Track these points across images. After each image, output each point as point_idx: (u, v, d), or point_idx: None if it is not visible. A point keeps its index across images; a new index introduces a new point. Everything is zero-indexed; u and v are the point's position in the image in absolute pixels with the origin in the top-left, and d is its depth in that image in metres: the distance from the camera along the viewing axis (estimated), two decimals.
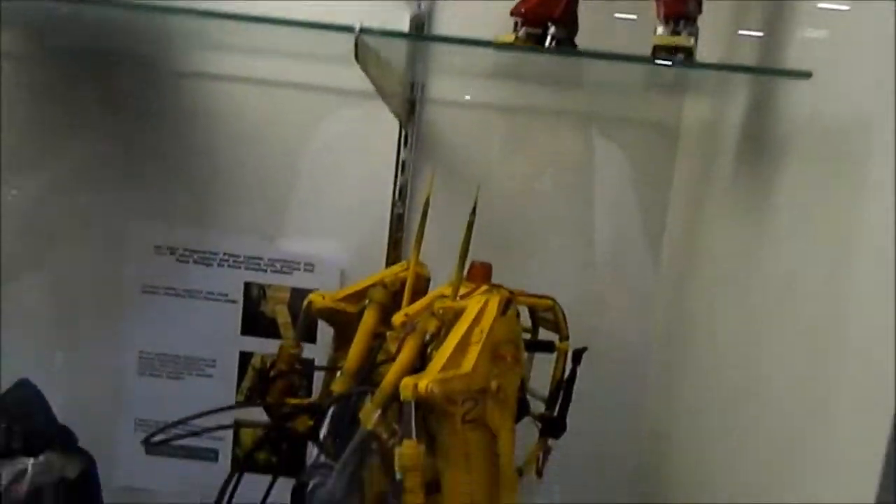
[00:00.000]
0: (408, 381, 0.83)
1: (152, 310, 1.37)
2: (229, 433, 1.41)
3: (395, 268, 1.14)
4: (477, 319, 0.90)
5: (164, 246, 1.35)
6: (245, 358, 1.38)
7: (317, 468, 1.01)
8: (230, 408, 1.17)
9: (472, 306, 0.92)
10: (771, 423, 0.91)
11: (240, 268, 1.35)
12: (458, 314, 0.92)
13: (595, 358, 1.08)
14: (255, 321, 1.37)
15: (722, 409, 1.08)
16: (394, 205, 1.33)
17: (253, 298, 1.36)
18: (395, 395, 0.89)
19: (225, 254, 1.35)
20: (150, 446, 1.39)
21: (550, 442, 1.11)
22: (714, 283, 1.17)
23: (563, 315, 1.11)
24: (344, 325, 1.15)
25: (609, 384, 1.34)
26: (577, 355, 1.11)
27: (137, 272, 1.35)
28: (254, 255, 1.35)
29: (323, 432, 1.01)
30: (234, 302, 1.36)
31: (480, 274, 1.06)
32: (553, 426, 1.11)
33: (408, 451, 0.81)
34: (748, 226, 1.05)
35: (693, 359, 1.22)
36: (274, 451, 1.40)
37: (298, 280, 1.35)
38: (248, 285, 1.36)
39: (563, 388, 1.11)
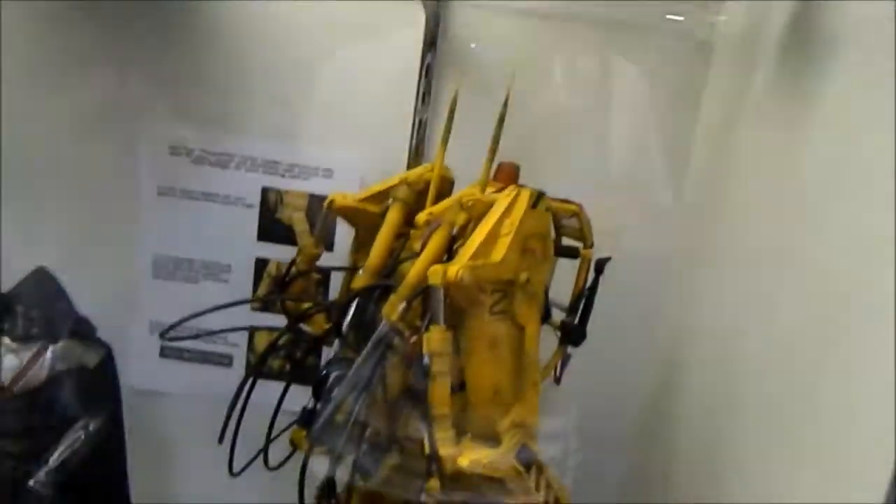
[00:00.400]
0: (437, 268, 0.82)
1: (168, 212, 1.35)
2: (244, 339, 1.41)
3: (420, 169, 1.11)
4: (507, 212, 0.88)
5: (180, 147, 1.32)
6: (261, 264, 1.37)
7: (337, 361, 1.00)
8: (247, 301, 1.17)
9: (502, 200, 0.90)
10: (798, 342, 0.90)
11: (257, 172, 1.33)
12: (487, 207, 0.90)
13: (614, 272, 1.07)
14: (272, 227, 1.35)
15: (745, 329, 1.07)
16: (416, 111, 1.29)
17: (270, 204, 1.34)
18: (420, 288, 0.89)
19: (242, 157, 1.32)
20: (165, 349, 1.42)
21: (570, 350, 1.11)
22: (746, 200, 1.14)
23: (588, 222, 1.09)
24: (365, 226, 1.13)
25: (626, 303, 1.32)
26: (601, 264, 1.09)
27: (153, 173, 1.33)
28: (271, 159, 1.32)
29: (344, 328, 1.00)
30: (250, 207, 1.34)
31: (507, 174, 1.03)
32: (573, 333, 1.10)
33: (436, 335, 0.80)
34: (786, 139, 1.02)
35: (717, 278, 1.20)
36: (288, 356, 1.40)
37: (316, 186, 1.33)
38: (265, 190, 1.33)
39: (585, 296, 1.10)
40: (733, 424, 1.02)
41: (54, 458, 1.01)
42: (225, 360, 1.42)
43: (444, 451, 0.80)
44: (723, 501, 0.99)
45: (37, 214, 1.35)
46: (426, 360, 0.80)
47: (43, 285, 1.03)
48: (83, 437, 1.03)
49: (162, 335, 1.12)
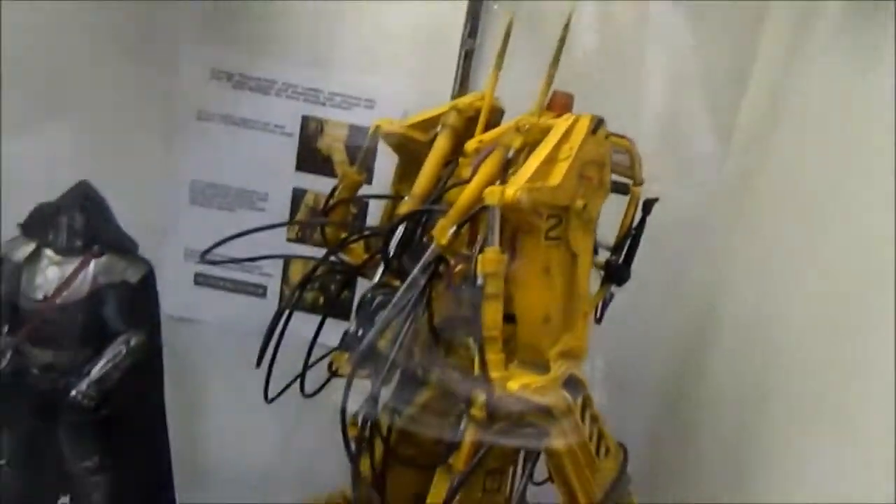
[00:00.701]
0: (495, 189, 0.80)
1: (207, 138, 1.33)
2: (279, 270, 1.40)
3: (469, 97, 1.08)
4: (566, 137, 0.85)
5: (221, 70, 1.30)
6: (298, 194, 1.35)
7: (381, 287, 0.99)
8: (288, 223, 1.15)
9: (561, 124, 0.87)
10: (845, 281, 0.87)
11: (298, 99, 1.30)
12: (544, 131, 0.87)
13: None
14: (311, 157, 1.33)
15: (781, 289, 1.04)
16: (463, 42, 1.26)
17: (309, 133, 1.32)
18: (472, 211, 0.87)
19: (283, 83, 1.30)
20: (199, 276, 1.42)
21: (613, 289, 1.09)
22: (802, 142, 1.11)
23: (639, 158, 1.06)
24: (410, 155, 1.10)
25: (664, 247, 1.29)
26: (648, 205, 1.06)
27: (192, 97, 1.31)
28: (313, 86, 1.30)
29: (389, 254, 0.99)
30: (290, 135, 1.32)
31: (562, 104, 1.00)
32: (617, 273, 1.08)
33: (491, 256, 0.79)
34: (847, 81, 0.98)
35: (756, 238, 1.17)
36: (323, 288, 1.40)
37: (358, 116, 1.31)
38: (305, 119, 1.31)
39: (631, 235, 1.07)
40: (767, 387, 1.01)
41: (96, 371, 1.01)
42: (259, 291, 1.41)
43: (495, 373, 0.79)
44: (749, 449, 0.99)
45: (73, 133, 1.34)
46: (480, 280, 0.79)
47: (86, 199, 1.02)
48: (124, 351, 1.03)
49: (203, 256, 1.11)
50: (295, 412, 1.39)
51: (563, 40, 0.92)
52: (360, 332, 0.98)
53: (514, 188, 0.78)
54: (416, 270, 0.90)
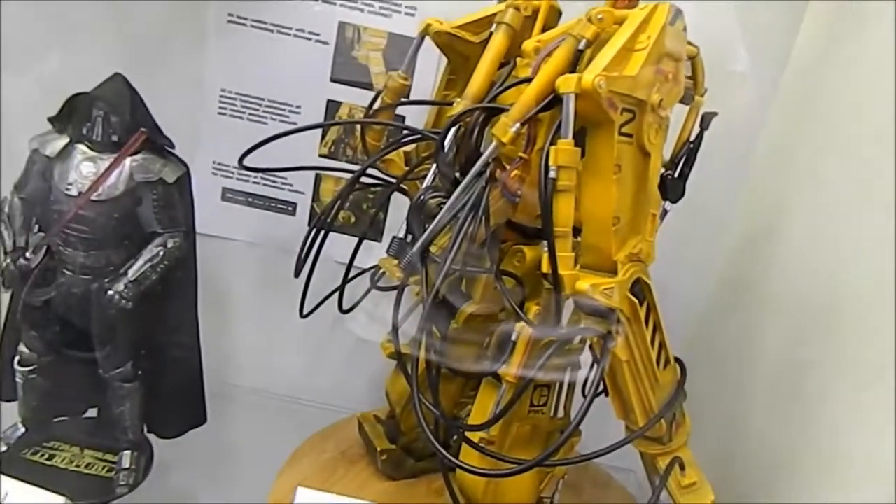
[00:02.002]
0: (569, 76, 0.75)
1: (237, 43, 1.27)
2: (309, 187, 1.36)
3: None
4: (643, 26, 0.80)
5: None
6: (333, 107, 1.29)
7: (434, 189, 0.95)
8: (329, 124, 1.10)
9: (637, 13, 0.81)
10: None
11: (335, 4, 1.24)
12: (619, 21, 0.82)
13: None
14: (347, 67, 1.27)
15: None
16: None
17: (346, 41, 1.26)
18: (539, 106, 0.82)
19: None
20: (227, 192, 1.37)
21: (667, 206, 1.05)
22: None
23: (703, 67, 1.00)
24: (461, 57, 1.05)
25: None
26: (707, 119, 1.01)
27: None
28: None
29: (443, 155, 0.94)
30: (325, 43, 1.26)
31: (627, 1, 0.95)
32: (672, 188, 1.03)
33: (565, 147, 0.74)
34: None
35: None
36: (355, 206, 1.35)
37: (398, 24, 1.24)
38: (342, 25, 1.25)
39: (688, 149, 1.03)
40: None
41: (133, 271, 0.97)
42: (288, 208, 1.37)
43: (565, 271, 0.75)
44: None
45: (95, 38, 1.27)
46: (552, 173, 0.74)
47: (121, 93, 0.96)
48: (162, 253, 0.99)
49: (241, 160, 1.06)
50: (323, 332, 1.37)
51: None
52: (410, 238, 0.95)
53: (592, 75, 0.73)
54: (474, 169, 0.86)
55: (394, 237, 0.95)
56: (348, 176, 1.32)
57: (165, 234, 1.00)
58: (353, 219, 1.36)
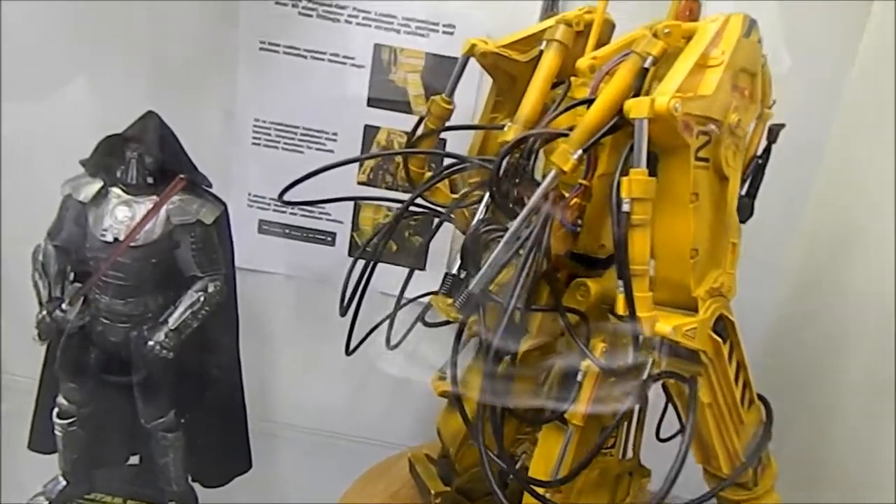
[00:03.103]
0: (640, 100, 0.68)
1: (270, 71, 1.22)
2: (348, 216, 1.30)
3: (575, 10, 0.96)
4: (716, 40, 0.73)
5: None
6: (370, 132, 1.24)
7: (488, 222, 0.88)
8: (373, 156, 1.04)
9: (708, 25, 0.75)
10: None
11: (369, 26, 1.19)
12: (687, 35, 0.75)
13: None
14: (384, 91, 1.22)
15: None
16: None
17: (382, 64, 1.20)
18: (602, 130, 0.76)
19: (354, 9, 1.18)
20: (263, 224, 1.32)
21: None
22: None
23: (770, 77, 0.93)
24: (508, 77, 0.99)
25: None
26: (774, 131, 0.94)
27: (255, 25, 1.20)
28: (386, 11, 1.18)
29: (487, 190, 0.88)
30: (360, 67, 1.21)
31: (685, 13, 0.88)
32: (741, 208, 0.96)
33: (639, 178, 0.68)
34: None
35: None
36: (398, 235, 1.30)
37: (436, 44, 1.19)
38: (377, 47, 1.19)
39: (756, 164, 0.95)
40: None
41: (174, 319, 0.92)
42: (327, 239, 1.31)
43: (644, 313, 0.68)
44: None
45: (125, 68, 1.23)
46: (626, 206, 0.68)
47: (155, 132, 0.91)
48: (203, 298, 0.94)
49: (281, 196, 1.02)
50: (366, 366, 1.31)
51: None
52: (463, 275, 0.89)
53: (668, 97, 0.66)
54: (532, 201, 0.79)
55: (446, 274, 0.89)
56: (389, 204, 1.30)
57: (206, 278, 0.95)
58: (395, 247, 1.30)
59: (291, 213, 1.31)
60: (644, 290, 0.69)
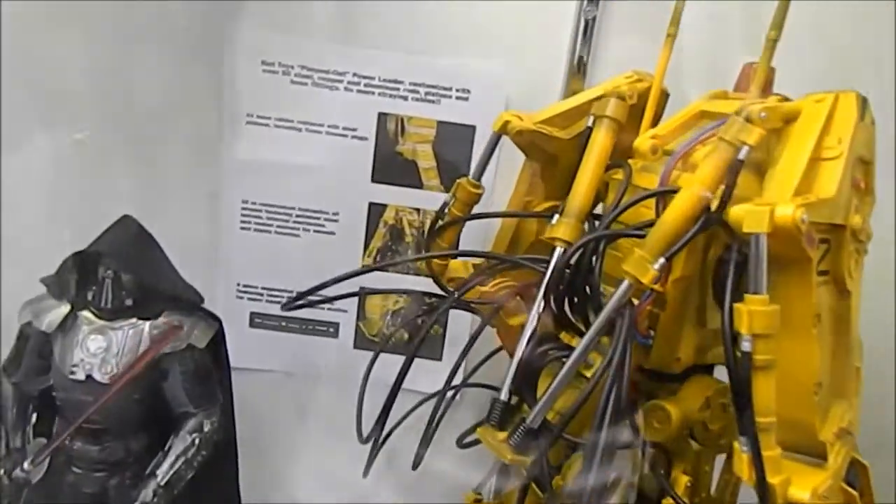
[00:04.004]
0: (756, 209, 0.55)
1: (259, 146, 1.07)
2: (352, 305, 1.15)
3: (619, 79, 0.83)
4: (828, 126, 0.60)
5: (276, 62, 1.04)
6: (375, 211, 1.10)
7: (549, 341, 0.74)
8: (397, 263, 0.89)
9: (816, 107, 0.62)
10: None
11: (373, 94, 1.05)
12: (789, 117, 0.62)
13: None
14: (390, 165, 1.07)
15: None
16: (581, 8, 1.00)
17: (388, 134, 1.06)
18: (686, 238, 0.62)
19: (355, 75, 1.04)
20: (255, 317, 1.16)
21: None
22: None
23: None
24: (547, 157, 0.86)
25: None
26: None
27: (241, 95, 1.05)
28: (391, 77, 1.04)
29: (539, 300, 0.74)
30: (364, 139, 1.07)
31: (757, 79, 0.75)
32: None
33: (760, 308, 0.54)
34: None
35: None
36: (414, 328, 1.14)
37: (448, 111, 1.05)
38: (382, 117, 1.05)
39: None
40: None
41: (164, 471, 0.75)
42: (329, 330, 1.16)
43: (774, 477, 0.54)
44: None
45: (99, 143, 1.07)
46: (746, 345, 0.54)
47: (133, 241, 0.75)
48: (197, 441, 0.78)
49: (284, 307, 0.87)
50: (377, 475, 1.15)
51: None
52: (513, 401, 0.74)
53: (790, 207, 0.53)
54: (602, 315, 0.66)
55: (494, 400, 0.74)
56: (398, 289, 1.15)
57: (200, 414, 0.79)
58: (406, 336, 1.15)
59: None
60: (772, 446, 0.55)
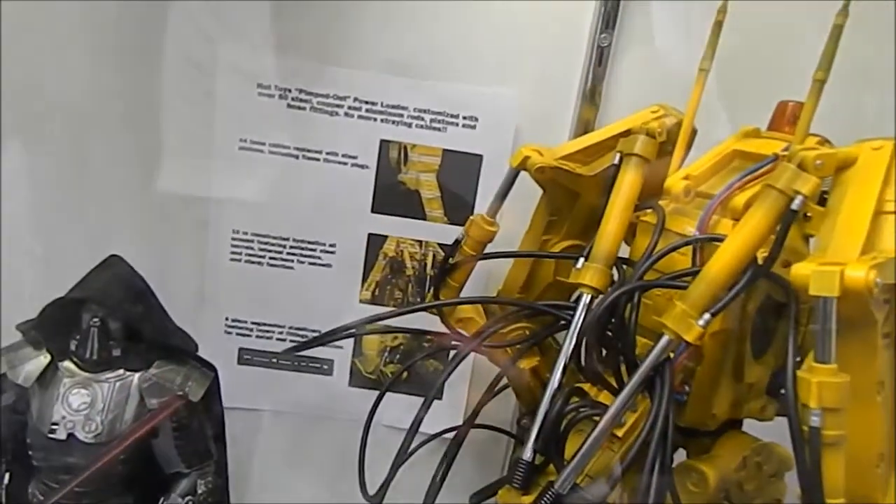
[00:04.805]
0: (824, 270, 0.50)
1: (252, 173, 1.01)
2: (349, 340, 1.09)
3: (645, 113, 0.79)
4: (888, 176, 0.56)
5: (272, 85, 0.98)
6: (375, 242, 1.04)
7: (570, 393, 0.69)
8: (418, 309, 0.82)
9: (871, 156, 0.58)
10: None
11: (375, 120, 0.99)
12: (844, 165, 0.58)
13: None
14: (392, 194, 1.02)
15: None
16: (595, 35, 0.96)
17: (391, 162, 1.01)
18: (732, 294, 0.58)
19: (356, 100, 0.98)
20: (244, 353, 1.10)
21: None
22: None
23: None
24: (568, 194, 0.81)
25: None
26: None
27: (233, 120, 0.99)
28: (395, 102, 0.99)
29: (566, 352, 0.68)
30: (364, 167, 1.01)
31: (793, 118, 0.72)
32: None
33: (829, 379, 0.49)
34: None
35: None
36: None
37: (455, 139, 1.00)
38: (384, 144, 1.00)
39: None
40: None
41: None
42: (324, 367, 1.09)
43: None
44: None
45: (80, 169, 1.00)
46: (815, 420, 0.49)
47: (122, 284, 0.68)
48: None
49: (288, 352, 0.81)
50: None
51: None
52: (535, 460, 0.69)
53: (863, 269, 0.49)
54: (639, 373, 0.61)
55: (517, 459, 0.69)
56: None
57: (193, 475, 0.72)
58: (405, 374, 1.09)
59: (279, 339, 1.08)
60: None
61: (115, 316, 0.68)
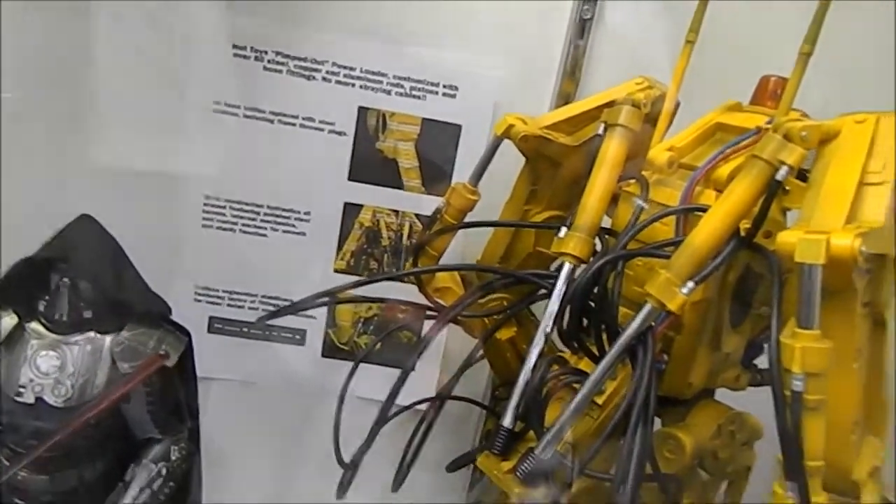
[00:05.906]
0: (810, 238, 0.51)
1: (225, 138, 0.98)
2: (322, 309, 1.07)
3: (630, 85, 0.79)
4: (872, 149, 0.57)
5: (248, 47, 0.95)
6: (351, 211, 1.02)
7: (551, 360, 0.69)
8: (399, 276, 0.81)
9: (854, 128, 0.59)
10: None
11: (353, 86, 0.97)
12: (828, 136, 0.59)
13: None
14: (369, 163, 1.00)
15: None
16: (578, 6, 0.95)
17: (368, 130, 0.99)
18: (717, 262, 0.59)
19: (334, 64, 0.96)
20: (214, 321, 1.08)
21: None
22: None
23: None
24: (550, 164, 0.81)
25: None
26: None
27: (207, 82, 0.96)
28: (374, 68, 0.97)
29: (548, 320, 0.68)
30: (341, 134, 0.99)
31: (776, 93, 0.72)
32: None
33: (810, 344, 0.50)
34: None
35: None
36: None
37: (434, 108, 0.99)
38: (362, 111, 0.98)
39: None
40: None
41: None
42: (296, 337, 1.08)
43: None
44: None
45: (54, 130, 0.96)
46: (798, 384, 0.50)
47: (93, 244, 0.66)
48: (165, 471, 0.69)
49: (261, 320, 0.79)
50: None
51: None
52: (516, 428, 0.69)
53: (848, 237, 0.49)
54: (621, 341, 0.61)
55: (498, 426, 0.69)
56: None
57: (166, 440, 0.70)
58: (379, 345, 1.08)
59: (251, 308, 1.06)
60: (819, 492, 0.51)
61: (85, 276, 0.66)
